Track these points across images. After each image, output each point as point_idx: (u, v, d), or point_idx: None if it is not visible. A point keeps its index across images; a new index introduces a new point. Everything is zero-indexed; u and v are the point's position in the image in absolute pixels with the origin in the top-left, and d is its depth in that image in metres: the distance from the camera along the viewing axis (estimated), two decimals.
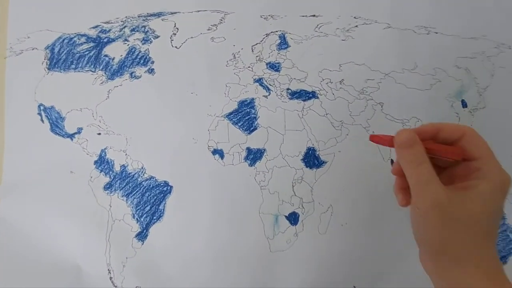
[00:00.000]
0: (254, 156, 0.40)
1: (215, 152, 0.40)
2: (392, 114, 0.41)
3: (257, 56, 0.42)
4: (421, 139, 0.24)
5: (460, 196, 0.23)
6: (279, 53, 0.42)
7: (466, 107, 0.40)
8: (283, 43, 0.42)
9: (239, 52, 0.42)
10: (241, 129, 0.41)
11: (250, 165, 0.40)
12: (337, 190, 0.39)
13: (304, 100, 0.41)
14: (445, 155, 0.24)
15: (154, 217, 0.39)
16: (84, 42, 0.43)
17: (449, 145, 0.24)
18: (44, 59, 0.42)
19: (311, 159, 0.40)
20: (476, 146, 0.23)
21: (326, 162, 0.40)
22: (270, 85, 0.41)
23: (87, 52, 0.43)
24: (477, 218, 0.22)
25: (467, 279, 0.22)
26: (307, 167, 0.40)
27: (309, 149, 0.40)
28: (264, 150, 0.40)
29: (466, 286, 0.22)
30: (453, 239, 0.23)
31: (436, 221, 0.23)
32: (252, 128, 0.41)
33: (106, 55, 0.43)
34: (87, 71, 0.43)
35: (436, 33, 0.41)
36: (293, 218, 0.39)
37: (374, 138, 0.27)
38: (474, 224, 0.22)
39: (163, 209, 0.39)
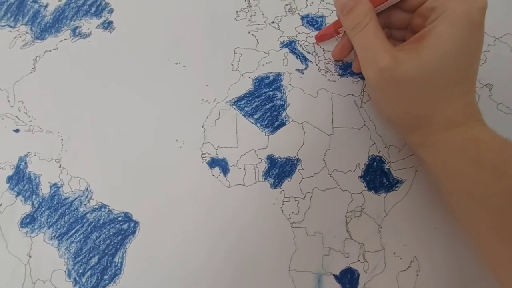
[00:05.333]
0: (280, 171, 0.28)
1: (213, 163, 0.29)
2: (506, 103, 0.29)
3: (287, 5, 0.32)
4: None
5: (412, 51, 0.21)
6: (323, 0, 0.32)
7: None
8: None
9: None
10: (258, 124, 0.29)
11: (274, 186, 0.28)
12: (425, 229, 0.27)
13: (364, 78, 0.30)
14: None
15: (106, 277, 0.27)
16: None
17: None
18: None
19: (377, 176, 0.28)
20: None
21: (402, 182, 0.28)
22: (309, 52, 0.31)
23: None
24: (435, 68, 0.21)
25: (452, 143, 0.22)
26: (370, 189, 0.28)
27: (373, 159, 0.28)
28: (298, 160, 0.28)
29: (448, 152, 0.22)
30: (413, 102, 0.22)
31: (387, 88, 0.22)
32: (277, 123, 0.29)
33: (35, 1, 0.33)
34: (2, 26, 0.33)
35: None
36: (349, 280, 0.27)
37: (320, 38, 0.29)
38: (433, 76, 0.21)
39: (121, 263, 0.27)
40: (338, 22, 0.27)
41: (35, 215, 0.28)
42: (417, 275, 0.26)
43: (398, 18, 0.25)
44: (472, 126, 0.21)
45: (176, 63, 0.31)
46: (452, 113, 0.22)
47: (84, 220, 0.28)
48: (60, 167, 0.29)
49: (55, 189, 0.28)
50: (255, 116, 0.29)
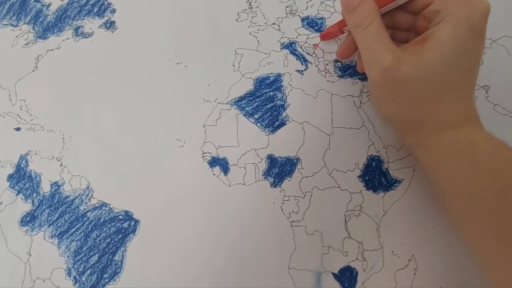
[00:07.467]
0: (280, 170, 0.28)
1: (214, 162, 0.29)
2: (503, 104, 0.29)
3: (287, 7, 0.32)
4: None
5: (415, 53, 0.21)
6: (323, 2, 0.32)
7: None
8: None
9: None
10: (259, 124, 0.29)
11: (274, 185, 0.28)
12: (423, 228, 0.27)
13: (362, 79, 0.30)
14: None
15: (106, 275, 0.27)
16: None
17: None
18: None
19: (376, 176, 0.28)
20: None
21: (400, 181, 0.28)
22: (308, 54, 0.31)
23: None
24: (435, 70, 0.21)
25: (450, 145, 0.22)
26: (369, 189, 0.28)
27: (372, 159, 0.28)
28: (297, 160, 0.28)
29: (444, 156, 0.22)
30: (411, 104, 0.22)
31: (388, 89, 0.22)
32: (277, 123, 0.29)
33: (37, 0, 0.34)
34: (5, 25, 0.33)
35: None
36: (347, 278, 0.27)
37: (324, 36, 0.30)
38: (433, 79, 0.21)
39: (121, 262, 0.27)
40: (342, 22, 0.27)
41: (35, 214, 0.28)
42: (414, 274, 0.26)
43: (402, 19, 0.25)
44: (469, 129, 0.21)
45: (178, 63, 0.31)
46: (448, 116, 0.22)
47: (85, 219, 0.28)
48: (61, 165, 0.29)
49: (56, 187, 0.28)
50: (256, 116, 0.29)
